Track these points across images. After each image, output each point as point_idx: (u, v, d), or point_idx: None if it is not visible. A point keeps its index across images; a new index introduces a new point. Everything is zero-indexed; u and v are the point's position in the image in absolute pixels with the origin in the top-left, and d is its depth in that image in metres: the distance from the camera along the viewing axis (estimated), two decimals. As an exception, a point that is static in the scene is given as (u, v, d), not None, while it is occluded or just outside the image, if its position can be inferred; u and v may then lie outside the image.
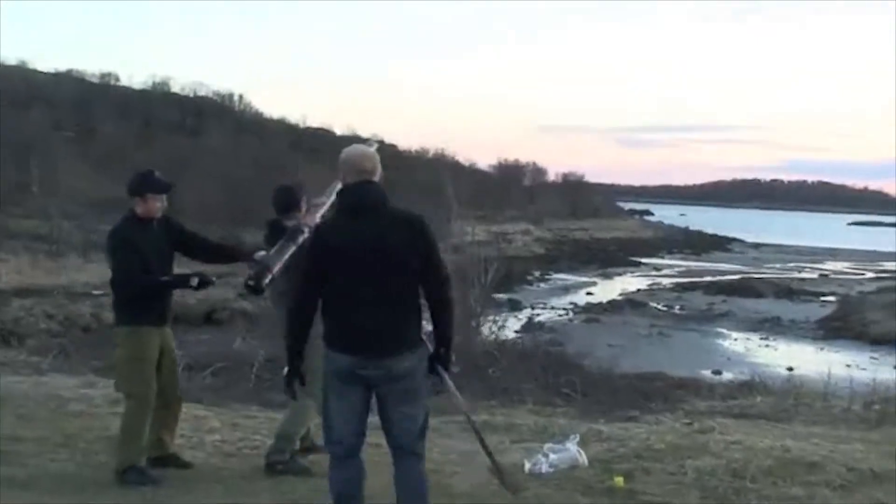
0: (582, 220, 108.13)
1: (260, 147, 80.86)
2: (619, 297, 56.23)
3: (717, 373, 29.67)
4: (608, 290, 60.82)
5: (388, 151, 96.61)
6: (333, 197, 8.30)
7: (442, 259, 5.97)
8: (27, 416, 9.89)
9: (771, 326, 46.35)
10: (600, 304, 50.95)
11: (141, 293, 7.74)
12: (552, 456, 8.29)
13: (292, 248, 7.69)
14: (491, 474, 6.92)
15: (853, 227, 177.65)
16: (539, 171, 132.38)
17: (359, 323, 5.75)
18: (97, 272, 47.57)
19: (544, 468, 8.18)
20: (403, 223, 5.84)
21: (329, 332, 5.88)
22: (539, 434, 9.39)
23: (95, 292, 43.48)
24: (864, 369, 24.28)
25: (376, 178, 5.94)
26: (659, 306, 53.40)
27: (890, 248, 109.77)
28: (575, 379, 13.72)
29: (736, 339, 42.20)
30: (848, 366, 28.97)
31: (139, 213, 7.84)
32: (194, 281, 7.84)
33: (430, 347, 5.94)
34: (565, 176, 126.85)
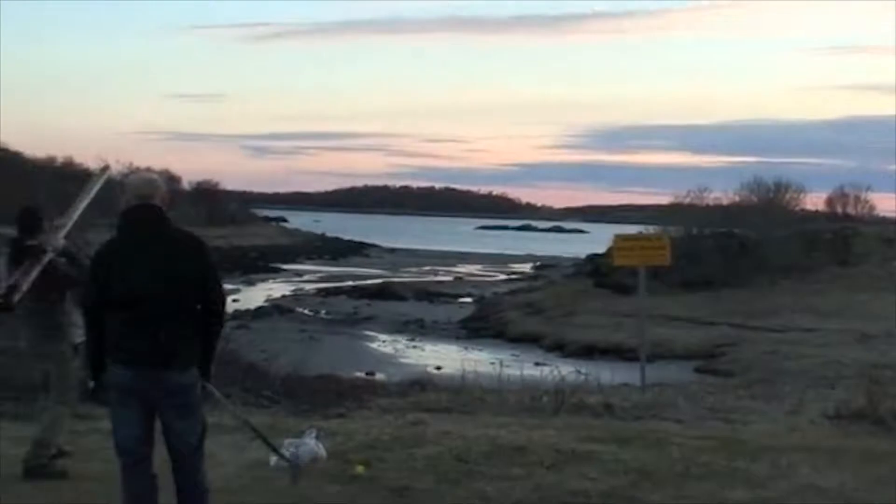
0: (219, 227, 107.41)
1: None
2: (266, 304, 56.45)
3: (371, 374, 30.24)
4: (253, 296, 60.70)
5: (12, 159, 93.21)
6: (75, 217, 8.75)
7: (219, 278, 6.31)
8: None
9: (416, 328, 47.67)
10: (248, 310, 50.83)
11: None
12: (293, 450, 8.88)
13: (38, 267, 8.06)
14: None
15: (480, 230, 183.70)
16: (172, 180, 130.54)
17: (136, 339, 5.98)
18: None
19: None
20: (182, 244, 6.19)
21: (111, 347, 6.10)
22: (270, 431, 9.90)
23: None
24: (508, 366, 25.38)
25: (156, 202, 6.22)
26: (306, 311, 53.97)
27: (516, 251, 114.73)
28: (274, 382, 14.31)
29: (384, 342, 43.20)
30: (493, 363, 29.70)
31: None
32: None
33: None
34: (199, 184, 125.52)
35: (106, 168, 9.15)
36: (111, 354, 6.12)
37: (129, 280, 6.02)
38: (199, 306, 6.15)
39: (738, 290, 46.94)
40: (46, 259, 8.17)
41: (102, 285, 6.13)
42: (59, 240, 8.44)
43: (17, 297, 7.88)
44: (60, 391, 8.50)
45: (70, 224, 8.78)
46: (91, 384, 6.33)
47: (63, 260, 8.29)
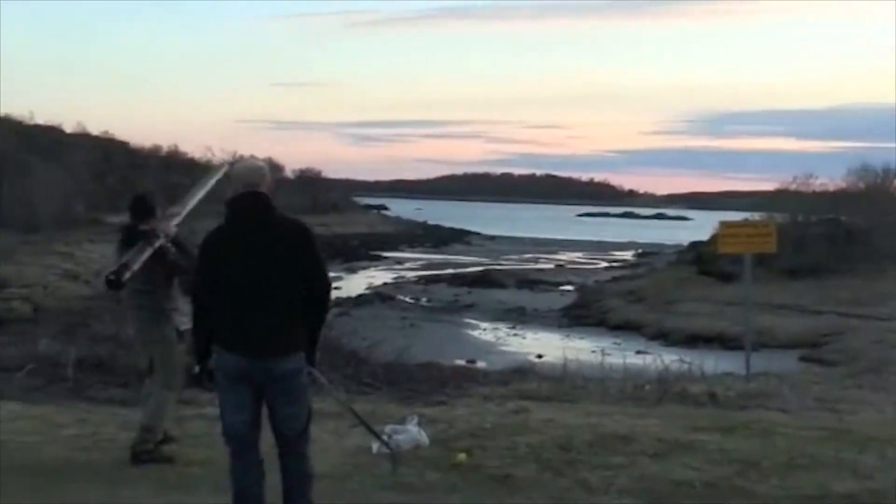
0: (322, 215, 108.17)
1: (-14, 146, 78.00)
2: (367, 291, 56.84)
3: (472, 361, 30.21)
4: (355, 284, 61.18)
5: (119, 149, 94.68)
6: (189, 207, 8.92)
7: (324, 266, 6.35)
8: None
9: (516, 316, 47.56)
10: (349, 298, 51.09)
11: None
12: (395, 437, 8.93)
13: (149, 251, 8.20)
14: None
15: (582, 217, 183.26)
16: (276, 168, 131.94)
17: (243, 326, 6.08)
18: None
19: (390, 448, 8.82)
20: (288, 231, 6.21)
21: (218, 334, 6.20)
22: (371, 418, 9.94)
23: None
24: (610, 354, 25.22)
25: (263, 190, 6.26)
26: (407, 299, 54.20)
27: (618, 238, 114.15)
28: (375, 369, 14.36)
29: (485, 329, 43.24)
30: (594, 352, 29.71)
31: None
32: None
33: None
34: (302, 172, 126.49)
35: (225, 163, 9.36)
36: (219, 341, 6.21)
37: (236, 268, 6.10)
38: (304, 293, 6.16)
39: (845, 278, 46.05)
40: (158, 244, 8.31)
41: (210, 273, 6.23)
42: (172, 227, 8.59)
43: (127, 276, 8.01)
44: (165, 376, 8.63)
45: (184, 214, 8.95)
46: (196, 370, 6.42)
47: (173, 248, 8.42)
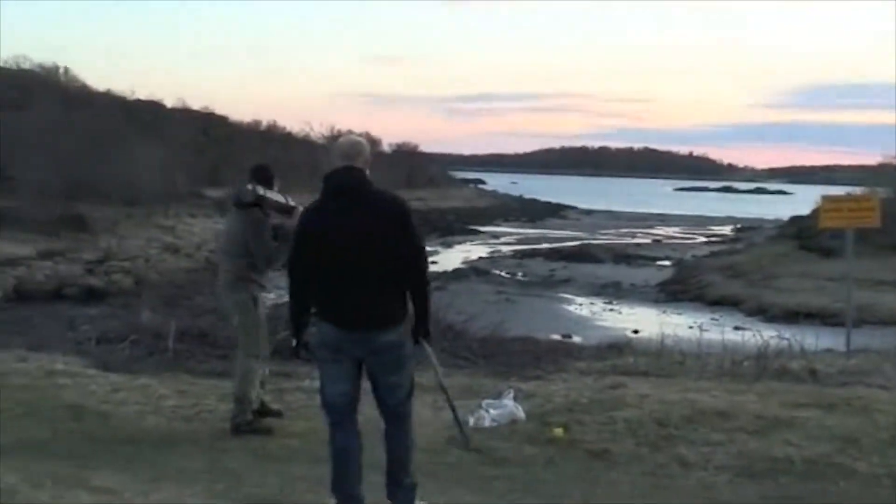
0: (418, 189, 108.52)
1: (90, 120, 79.22)
2: (463, 265, 56.84)
3: (568, 336, 30.04)
4: (451, 258, 61.23)
5: (219, 124, 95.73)
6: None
7: (421, 238, 6.38)
8: (-30, 388, 10.18)
9: (613, 291, 47.23)
10: (445, 272, 51.09)
11: None
12: (492, 411, 8.99)
13: (291, 219, 8.62)
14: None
15: (680, 192, 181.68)
16: (373, 142, 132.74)
17: (341, 299, 6.16)
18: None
19: (487, 422, 8.88)
20: (384, 205, 6.23)
21: (319, 307, 6.30)
22: (467, 392, 10.01)
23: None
24: (707, 330, 24.90)
25: (360, 164, 6.31)
26: (502, 273, 54.05)
27: (716, 213, 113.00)
28: (472, 343, 14.38)
29: (581, 304, 42.94)
30: (691, 327, 29.43)
31: None
32: None
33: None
34: (399, 146, 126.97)
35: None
36: (318, 314, 6.30)
37: (333, 242, 6.14)
38: (402, 267, 6.20)
39: (950, 254, 45.10)
40: (296, 213, 8.56)
41: (307, 247, 6.27)
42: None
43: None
44: (246, 344, 8.83)
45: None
46: (293, 342, 6.49)
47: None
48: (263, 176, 9.05)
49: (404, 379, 6.36)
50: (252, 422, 8.66)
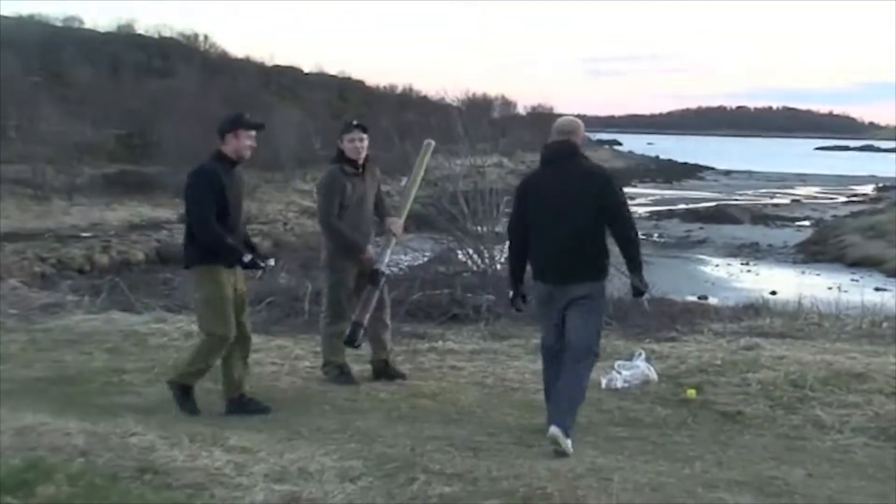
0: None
1: (231, 86, 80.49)
2: (598, 227, 56.57)
3: (704, 297, 29.68)
4: (586, 220, 60.99)
5: (355, 88, 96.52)
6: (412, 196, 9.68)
7: (625, 203, 7.32)
8: (116, 350, 10.48)
9: (750, 252, 46.70)
10: (579, 235, 50.48)
11: (212, 241, 8.12)
12: (624, 372, 8.99)
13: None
14: None
15: (820, 151, 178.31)
16: (508, 104, 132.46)
17: (550, 257, 7.25)
18: (83, 215, 47.84)
19: (619, 384, 8.89)
20: (588, 174, 7.24)
21: (533, 265, 7.45)
22: (601, 353, 9.98)
23: (84, 234, 43.80)
24: (846, 291, 24.48)
25: (573, 139, 7.32)
26: (640, 235, 53.65)
27: (857, 172, 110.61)
28: (608, 304, 14.30)
29: (717, 265, 42.53)
30: (830, 288, 29.02)
31: (227, 153, 8.28)
32: (247, 258, 8.40)
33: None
34: (534, 108, 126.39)
35: (429, 144, 9.80)
36: (534, 272, 7.48)
37: (546, 205, 7.22)
38: (609, 218, 7.16)
39: None
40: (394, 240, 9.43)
41: (525, 209, 7.39)
42: (399, 224, 9.46)
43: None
44: (325, 311, 9.28)
45: (408, 206, 9.64)
46: (510, 294, 7.69)
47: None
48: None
49: (590, 326, 7.27)
50: (338, 376, 9.11)
